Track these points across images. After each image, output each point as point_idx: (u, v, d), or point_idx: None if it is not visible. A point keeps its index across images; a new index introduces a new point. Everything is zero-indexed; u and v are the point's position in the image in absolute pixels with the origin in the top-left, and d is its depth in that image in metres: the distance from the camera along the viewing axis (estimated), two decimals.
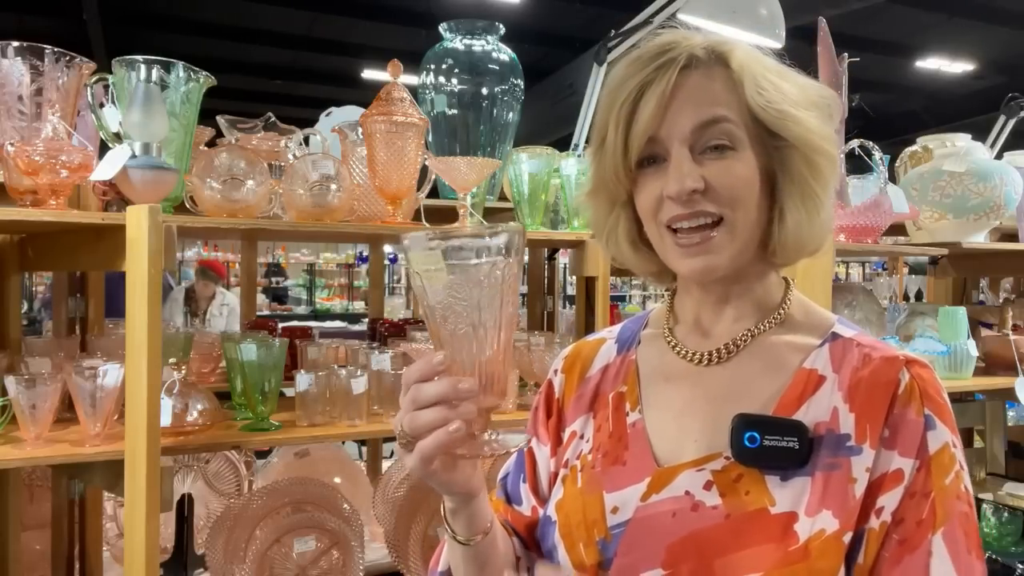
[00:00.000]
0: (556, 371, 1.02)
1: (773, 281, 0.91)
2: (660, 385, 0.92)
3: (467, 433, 0.74)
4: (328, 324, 9.02)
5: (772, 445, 0.79)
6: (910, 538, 0.75)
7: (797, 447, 0.79)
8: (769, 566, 0.75)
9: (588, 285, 2.04)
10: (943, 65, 10.37)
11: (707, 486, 0.81)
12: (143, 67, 1.53)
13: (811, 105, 0.86)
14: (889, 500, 0.76)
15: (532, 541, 0.94)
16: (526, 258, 2.45)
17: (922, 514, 0.76)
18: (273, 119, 1.91)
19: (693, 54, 0.83)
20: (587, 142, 2.46)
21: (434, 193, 1.97)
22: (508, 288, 0.74)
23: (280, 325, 2.26)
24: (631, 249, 0.93)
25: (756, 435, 0.79)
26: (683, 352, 0.91)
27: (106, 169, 1.44)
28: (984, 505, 2.30)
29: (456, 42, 2.14)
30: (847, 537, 0.75)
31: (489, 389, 0.75)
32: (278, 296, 11.77)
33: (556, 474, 0.95)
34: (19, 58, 1.44)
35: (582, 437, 0.94)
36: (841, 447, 0.79)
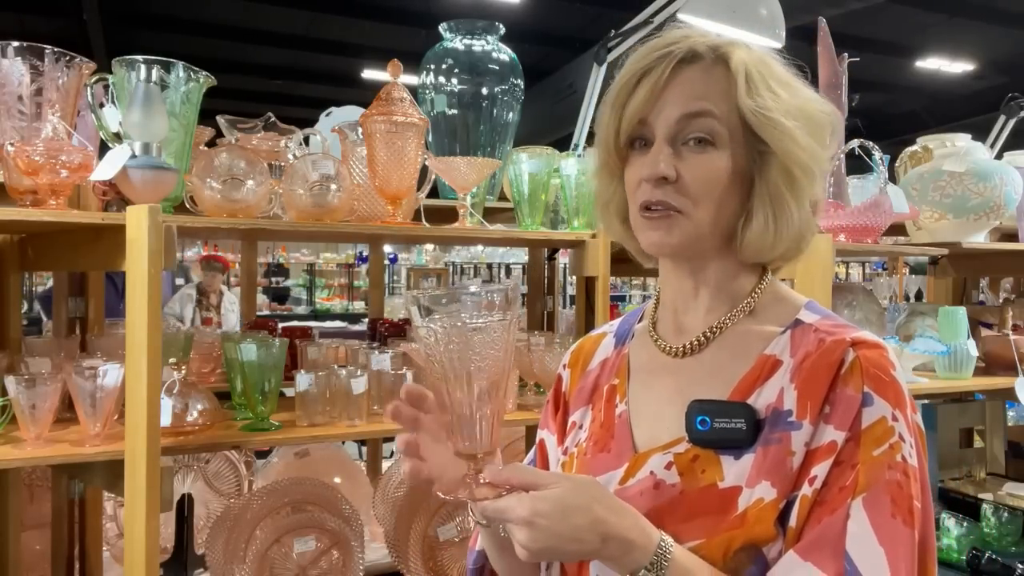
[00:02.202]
0: (564, 366, 1.09)
1: (745, 272, 0.95)
2: (645, 377, 0.98)
3: (459, 477, 0.82)
4: (328, 324, 9.02)
5: (721, 427, 0.85)
6: (830, 500, 0.80)
7: (744, 428, 0.85)
8: (710, 533, 0.82)
9: (588, 285, 2.04)
10: (943, 65, 10.38)
11: (668, 466, 0.88)
12: (143, 67, 1.52)
13: (804, 116, 0.89)
14: (821, 470, 0.81)
15: None
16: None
17: (845, 481, 0.80)
18: (273, 119, 1.91)
19: (693, 49, 0.88)
20: (586, 141, 2.46)
21: (434, 193, 1.97)
22: (483, 347, 0.79)
23: (280, 325, 2.26)
24: (620, 225, 0.98)
25: (707, 419, 0.86)
26: (663, 346, 0.97)
27: (106, 169, 1.44)
28: (984, 505, 2.30)
29: (456, 42, 2.14)
30: (783, 505, 0.81)
31: (460, 435, 0.81)
32: (278, 296, 11.76)
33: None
34: (19, 58, 1.44)
35: (580, 427, 1.01)
36: (781, 422, 0.84)
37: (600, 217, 1.01)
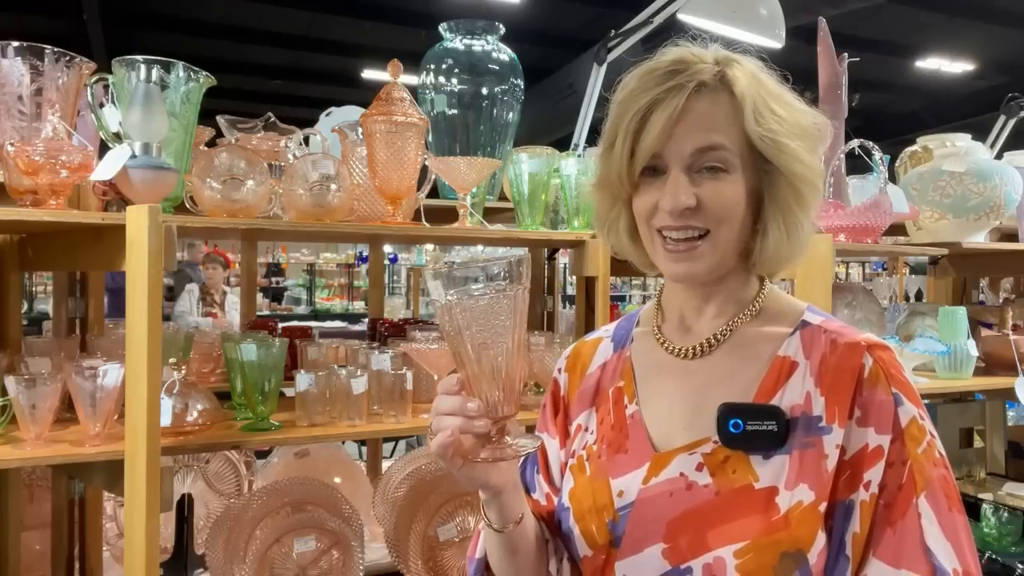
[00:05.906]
0: (560, 370, 1.11)
1: (751, 280, 0.99)
2: (653, 379, 1.01)
3: (479, 440, 0.84)
4: (328, 324, 9.01)
5: (754, 430, 0.88)
6: (895, 502, 0.84)
7: (776, 430, 0.88)
8: (755, 534, 0.85)
9: (588, 285, 2.04)
10: (943, 65, 10.37)
11: (698, 467, 0.90)
12: (143, 67, 1.52)
13: (804, 134, 0.93)
14: (874, 474, 0.85)
15: (549, 525, 1.03)
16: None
17: (901, 479, 0.85)
18: (273, 119, 1.91)
19: (702, 80, 0.90)
20: (586, 141, 2.46)
21: (434, 193, 1.97)
22: (509, 314, 0.82)
23: (280, 325, 2.26)
24: (629, 242, 1.01)
25: (739, 422, 0.88)
26: (671, 348, 1.00)
27: (106, 169, 1.44)
28: (984, 505, 2.30)
29: (456, 42, 2.14)
30: (822, 507, 0.85)
31: (494, 401, 0.84)
32: (277, 296, 11.76)
33: (566, 464, 1.04)
34: (19, 58, 1.44)
35: (586, 430, 1.03)
36: (814, 427, 0.88)
37: (604, 234, 1.03)
